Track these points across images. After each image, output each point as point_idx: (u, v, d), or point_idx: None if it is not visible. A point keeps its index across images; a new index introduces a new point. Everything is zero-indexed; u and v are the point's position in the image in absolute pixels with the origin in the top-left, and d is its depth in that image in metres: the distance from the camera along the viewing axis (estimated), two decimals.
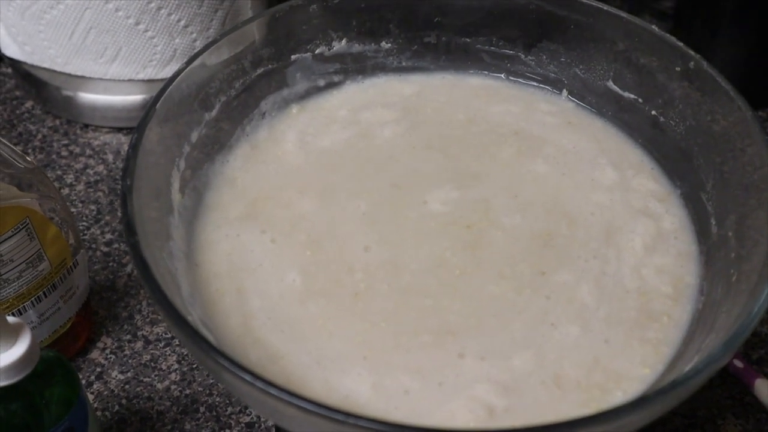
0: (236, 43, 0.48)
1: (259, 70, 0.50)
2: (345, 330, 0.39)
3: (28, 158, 0.48)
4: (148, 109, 0.41)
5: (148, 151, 0.41)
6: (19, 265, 0.47)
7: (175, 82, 0.43)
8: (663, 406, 0.33)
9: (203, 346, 0.32)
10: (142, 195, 0.39)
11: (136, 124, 0.41)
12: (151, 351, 0.55)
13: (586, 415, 0.30)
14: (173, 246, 0.41)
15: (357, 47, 0.53)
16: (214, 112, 0.47)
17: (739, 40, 0.74)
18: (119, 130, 0.72)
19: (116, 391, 0.53)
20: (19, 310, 0.48)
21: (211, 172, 0.47)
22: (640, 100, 0.49)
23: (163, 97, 0.42)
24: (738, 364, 0.53)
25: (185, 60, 0.45)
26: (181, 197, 0.44)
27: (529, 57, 0.53)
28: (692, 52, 0.45)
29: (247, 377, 0.31)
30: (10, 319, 0.39)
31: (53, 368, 0.42)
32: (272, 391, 0.31)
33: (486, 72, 0.54)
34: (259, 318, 0.40)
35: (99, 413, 0.52)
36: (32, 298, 0.49)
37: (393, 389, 0.37)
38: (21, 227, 0.46)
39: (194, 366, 0.54)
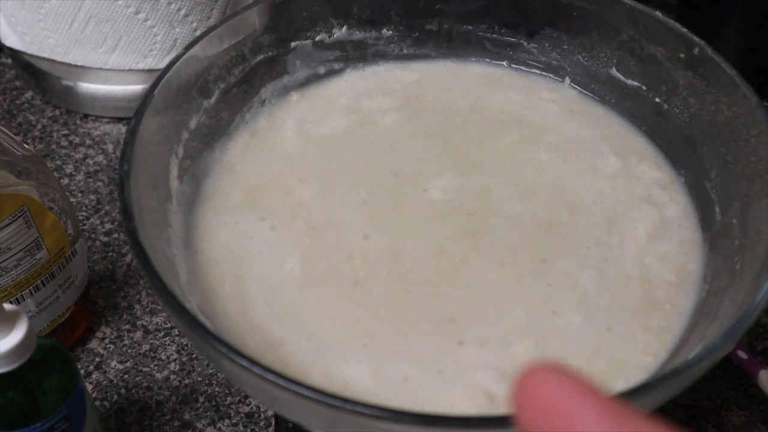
0: (236, 30, 0.47)
1: (259, 57, 0.49)
2: (344, 317, 0.39)
3: (26, 146, 0.48)
4: (146, 95, 0.41)
5: (145, 138, 0.40)
6: (16, 253, 0.46)
7: (173, 69, 0.43)
8: (664, 394, 0.32)
9: (201, 333, 0.32)
10: (139, 181, 0.38)
11: None
12: (151, 341, 0.55)
13: None
14: (171, 233, 0.41)
15: (358, 34, 0.52)
16: (213, 100, 0.47)
17: (743, 32, 0.73)
18: (119, 120, 0.72)
19: (115, 381, 0.53)
20: (17, 298, 0.48)
21: (210, 159, 0.47)
22: (644, 87, 0.49)
23: (161, 84, 0.42)
24: (742, 355, 0.53)
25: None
26: (180, 184, 0.44)
27: (532, 44, 0.52)
28: (696, 39, 0.45)
29: (245, 363, 0.30)
30: (7, 306, 0.39)
31: (51, 357, 0.42)
32: (270, 377, 0.30)
33: (488, 59, 0.53)
34: (258, 305, 0.40)
35: (98, 403, 0.52)
36: (30, 287, 0.48)
37: (393, 377, 0.37)
38: (18, 215, 0.46)
39: (194, 356, 0.54)
